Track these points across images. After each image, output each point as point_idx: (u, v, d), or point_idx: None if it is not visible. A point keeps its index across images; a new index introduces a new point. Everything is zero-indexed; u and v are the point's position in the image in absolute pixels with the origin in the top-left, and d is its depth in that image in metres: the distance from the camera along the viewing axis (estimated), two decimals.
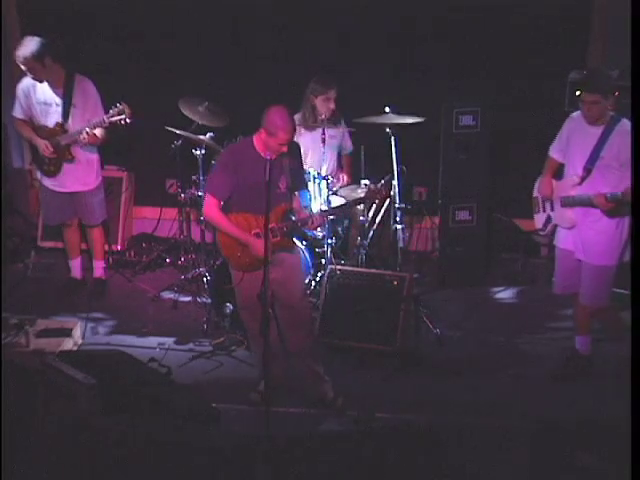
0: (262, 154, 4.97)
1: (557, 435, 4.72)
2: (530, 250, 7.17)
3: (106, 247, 6.94)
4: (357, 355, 5.78)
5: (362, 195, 6.29)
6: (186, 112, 6.57)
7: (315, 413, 5.31)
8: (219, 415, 4.99)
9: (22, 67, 6.04)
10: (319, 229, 6.07)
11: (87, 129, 6.05)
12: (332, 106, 6.50)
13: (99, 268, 6.72)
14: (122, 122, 6.01)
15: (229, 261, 5.23)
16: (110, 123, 6.04)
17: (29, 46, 5.98)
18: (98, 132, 6.12)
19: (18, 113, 6.30)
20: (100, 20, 7.23)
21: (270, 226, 4.98)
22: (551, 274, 6.84)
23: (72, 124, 6.17)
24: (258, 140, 5.05)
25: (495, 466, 4.53)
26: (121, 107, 5.99)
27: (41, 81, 6.12)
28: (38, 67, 6.03)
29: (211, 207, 5.12)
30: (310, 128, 6.54)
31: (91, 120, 6.11)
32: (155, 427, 4.65)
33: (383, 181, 6.48)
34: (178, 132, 6.56)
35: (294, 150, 5.21)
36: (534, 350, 6.07)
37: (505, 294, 6.86)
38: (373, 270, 6.18)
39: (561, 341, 6.14)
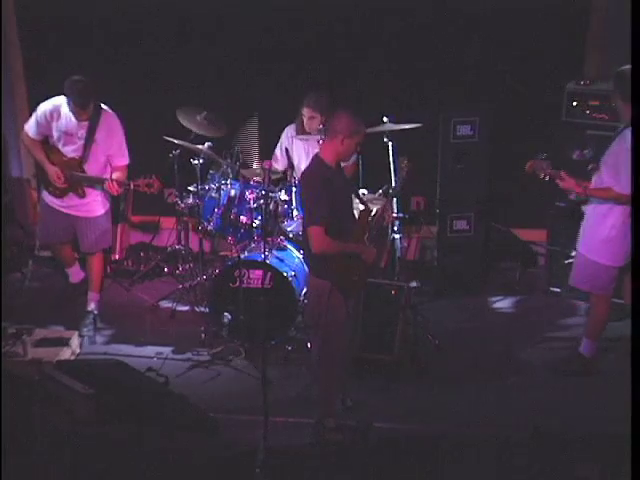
0: (331, 166, 4.94)
1: (555, 445, 4.71)
2: (528, 260, 7.16)
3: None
4: (355, 364, 5.74)
5: (362, 207, 6.28)
6: (184, 122, 6.57)
7: (314, 422, 5.28)
8: (217, 425, 4.97)
9: (74, 107, 5.88)
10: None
11: (109, 180, 5.95)
12: (312, 124, 6.38)
13: (94, 300, 6.43)
14: (147, 192, 5.99)
15: (343, 290, 5.00)
16: (134, 188, 6.02)
17: (89, 88, 5.83)
18: (117, 187, 6.02)
19: (32, 132, 6.11)
20: (99, 31, 7.22)
21: (365, 236, 5.03)
22: (549, 283, 6.87)
23: (90, 161, 6.05)
24: (328, 153, 4.96)
25: (493, 476, 4.51)
26: (151, 181, 5.96)
27: (80, 120, 5.96)
28: (90, 109, 5.90)
29: (320, 237, 4.86)
30: (303, 137, 6.49)
31: (111, 157, 6.06)
32: (152, 436, 4.63)
33: (381, 191, 6.47)
34: (176, 142, 6.56)
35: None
36: (532, 359, 6.06)
37: (503, 303, 6.85)
38: (371, 279, 6.14)
39: (559, 351, 6.14)
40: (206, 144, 6.54)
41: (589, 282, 5.70)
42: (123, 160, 6.13)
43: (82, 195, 6.14)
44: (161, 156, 6.71)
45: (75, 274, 6.68)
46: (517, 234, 7.22)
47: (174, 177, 6.71)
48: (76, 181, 6.09)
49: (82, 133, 6.00)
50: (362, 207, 5.26)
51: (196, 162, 6.54)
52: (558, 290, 6.82)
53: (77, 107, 5.88)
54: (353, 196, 5.33)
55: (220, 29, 7.17)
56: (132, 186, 6.00)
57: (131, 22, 7.22)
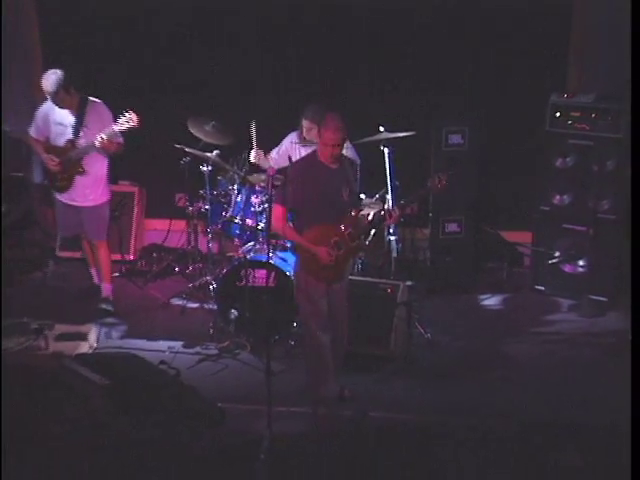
0: (326, 164, 5.01)
1: (540, 434, 4.71)
2: (514, 260, 7.16)
3: (118, 257, 6.92)
4: (353, 358, 5.74)
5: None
6: (194, 131, 6.56)
7: (314, 412, 5.28)
8: (224, 414, 4.98)
9: (49, 97, 6.04)
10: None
11: (100, 137, 5.97)
12: (311, 134, 6.31)
13: (107, 289, 6.53)
14: (130, 127, 5.95)
15: (312, 273, 5.07)
16: (120, 131, 6.00)
17: (56, 79, 5.97)
18: (114, 141, 6.04)
19: (33, 132, 6.31)
20: (115, 45, 7.23)
21: (347, 232, 5.06)
22: (534, 282, 6.87)
23: (82, 142, 6.13)
24: (319, 149, 5.08)
25: (480, 462, 4.52)
26: (129, 115, 5.95)
27: (63, 107, 6.10)
28: (65, 97, 6.02)
29: (277, 216, 5.06)
30: (304, 144, 6.47)
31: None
32: (164, 425, 4.64)
33: (378, 195, 6.47)
34: (187, 149, 6.55)
35: (353, 165, 5.29)
36: (518, 353, 6.05)
37: (491, 301, 6.84)
38: (368, 278, 6.15)
39: (543, 345, 6.14)
40: (214, 152, 6.53)
41: None
42: (117, 139, 6.10)
43: (82, 172, 6.17)
44: (172, 163, 6.71)
45: (97, 276, 6.70)
46: (504, 236, 7.21)
47: (185, 182, 6.71)
48: (74, 161, 6.15)
49: (72, 121, 6.12)
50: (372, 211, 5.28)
51: (205, 169, 6.55)
52: (542, 288, 6.84)
53: (51, 96, 6.00)
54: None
55: (227, 46, 7.18)
56: (117, 129, 5.95)
57: (146, 38, 7.22)
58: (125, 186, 7.35)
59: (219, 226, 6.43)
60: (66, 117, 6.14)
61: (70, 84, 6.01)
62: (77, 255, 7.01)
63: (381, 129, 6.36)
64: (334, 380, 5.31)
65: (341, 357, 5.38)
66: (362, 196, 6.45)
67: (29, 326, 6.05)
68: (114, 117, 6.13)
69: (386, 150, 6.36)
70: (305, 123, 6.39)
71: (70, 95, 6.05)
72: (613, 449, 4.45)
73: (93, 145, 6.05)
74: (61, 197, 6.36)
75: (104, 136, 5.98)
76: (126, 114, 5.95)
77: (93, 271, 6.71)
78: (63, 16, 7.25)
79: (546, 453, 4.52)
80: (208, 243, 6.75)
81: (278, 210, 5.08)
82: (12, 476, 4.26)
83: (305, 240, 5.06)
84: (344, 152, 6.51)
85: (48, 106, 6.18)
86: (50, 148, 6.24)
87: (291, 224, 5.17)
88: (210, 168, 6.56)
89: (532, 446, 4.61)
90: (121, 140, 6.09)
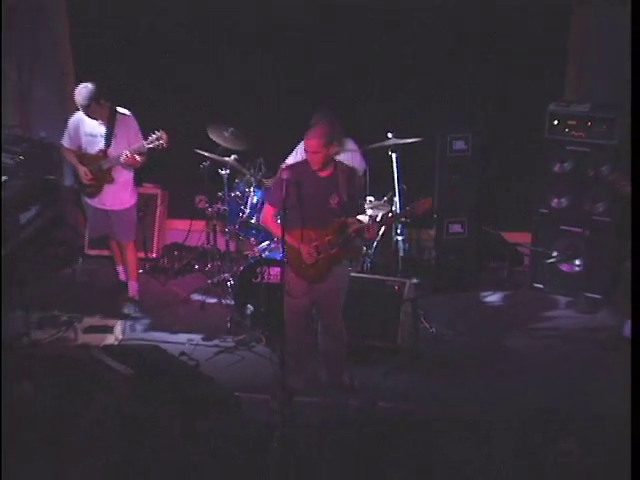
0: (315, 171, 4.96)
1: (538, 423, 4.72)
2: (515, 259, 7.14)
3: (142, 255, 6.96)
4: (362, 351, 5.77)
5: (369, 212, 6.28)
6: (213, 137, 6.58)
7: (325, 402, 5.31)
8: (240, 403, 5.00)
9: (82, 110, 6.05)
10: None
11: (127, 152, 6.05)
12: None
13: (133, 289, 6.57)
14: (160, 147, 6.01)
15: (295, 270, 5.08)
16: (149, 148, 6.05)
17: (88, 92, 5.98)
18: (138, 157, 6.11)
19: (66, 142, 6.32)
20: (138, 55, 7.24)
21: (327, 239, 5.00)
22: (533, 281, 6.87)
23: (113, 151, 6.14)
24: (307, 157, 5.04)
25: (481, 449, 4.53)
26: (159, 134, 5.99)
27: (95, 118, 6.11)
28: (96, 108, 6.04)
29: (266, 215, 5.21)
30: None
31: (131, 144, 6.12)
32: (184, 413, 4.67)
33: (386, 198, 6.49)
34: (206, 154, 6.56)
35: (352, 174, 5.15)
36: (518, 347, 6.06)
37: (493, 298, 6.83)
38: (377, 276, 6.17)
39: (542, 339, 6.15)
40: (232, 156, 6.56)
41: None
42: (142, 155, 6.10)
43: (111, 180, 6.20)
44: (193, 167, 6.75)
45: (123, 273, 6.74)
46: (505, 237, 7.20)
47: (204, 185, 6.75)
48: (104, 170, 6.17)
49: (102, 131, 6.12)
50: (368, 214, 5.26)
51: (223, 172, 6.56)
52: (541, 286, 6.83)
53: (83, 108, 6.01)
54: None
55: (244, 56, 7.20)
56: (146, 146, 5.99)
57: (169, 49, 7.21)
58: (149, 188, 7.36)
59: (236, 226, 6.46)
60: (96, 128, 6.16)
61: (101, 96, 6.04)
62: (104, 253, 7.03)
63: (389, 135, 6.37)
64: (303, 373, 5.33)
65: (337, 354, 5.36)
66: (371, 198, 6.50)
67: (60, 319, 6.13)
68: (140, 127, 6.17)
69: (394, 155, 6.38)
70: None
71: (101, 106, 6.07)
72: (606, 436, 4.45)
73: (118, 158, 6.09)
74: (91, 201, 6.38)
75: (128, 153, 6.02)
76: (157, 132, 5.99)
77: (119, 268, 6.76)
78: (90, 27, 7.29)
79: (544, 440, 4.52)
80: (226, 242, 6.77)
81: (268, 209, 5.19)
82: (45, 456, 4.30)
83: (290, 238, 5.04)
84: (343, 158, 6.59)
85: (78, 117, 6.20)
86: (82, 157, 6.25)
87: (279, 222, 5.12)
88: (228, 172, 6.57)
89: (531, 434, 4.60)
90: (144, 157, 6.12)
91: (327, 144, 4.97)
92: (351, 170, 5.22)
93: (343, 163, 5.24)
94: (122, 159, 6.07)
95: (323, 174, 5.04)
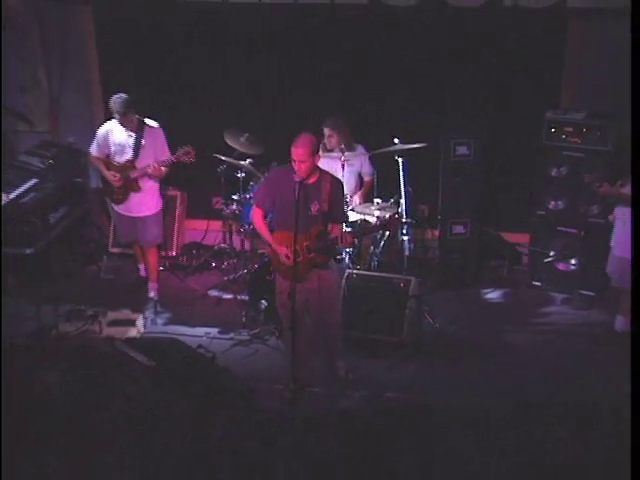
0: (298, 176, 4.93)
1: (534, 412, 4.72)
2: (514, 259, 7.13)
3: (162, 253, 7.00)
4: (369, 344, 5.80)
5: (376, 213, 6.31)
6: (230, 142, 6.62)
7: (334, 393, 5.34)
8: (254, 393, 5.03)
9: (117, 118, 6.05)
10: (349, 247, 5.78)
11: (155, 164, 6.06)
12: (331, 141, 6.36)
13: (153, 289, 6.52)
14: (187, 160, 6.01)
15: (276, 270, 5.21)
16: (177, 161, 6.05)
17: (123, 102, 5.98)
18: (163, 168, 6.13)
19: (94, 151, 6.29)
20: (162, 66, 7.29)
21: (305, 244, 5.03)
22: (531, 279, 6.87)
23: (141, 161, 6.15)
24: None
25: (480, 438, 4.54)
26: (188, 149, 5.99)
27: (128, 127, 6.11)
28: (131, 118, 6.05)
29: (255, 215, 5.27)
30: (326, 155, 6.49)
31: (158, 157, 6.13)
32: (201, 401, 4.69)
33: (392, 200, 6.50)
34: (223, 158, 6.60)
35: (336, 185, 5.14)
36: (516, 342, 6.07)
37: (493, 295, 6.82)
38: (384, 274, 6.19)
39: (539, 334, 6.15)
40: (247, 160, 6.60)
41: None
42: (166, 155, 6.13)
43: (138, 189, 6.22)
44: (210, 170, 6.78)
45: (144, 270, 6.78)
46: (505, 237, 7.19)
47: (221, 187, 6.78)
48: (131, 179, 6.18)
49: (131, 142, 6.13)
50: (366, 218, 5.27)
51: (239, 175, 6.61)
52: (539, 284, 6.81)
53: (120, 116, 6.03)
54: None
55: (258, 66, 7.22)
56: (175, 159, 6.00)
57: (190, 61, 7.26)
58: (169, 191, 7.39)
59: (251, 226, 6.49)
60: (124, 138, 6.16)
61: (133, 107, 6.07)
62: (127, 251, 7.04)
63: (396, 141, 6.40)
64: (304, 364, 5.30)
65: (330, 349, 5.38)
66: (378, 200, 6.52)
67: (85, 313, 6.18)
68: (167, 138, 6.18)
69: (400, 160, 6.40)
70: (326, 130, 6.43)
71: (132, 116, 6.09)
72: (598, 425, 4.46)
73: (147, 169, 6.12)
74: (117, 208, 6.38)
75: (156, 164, 6.06)
76: (185, 147, 6.00)
77: (141, 266, 6.80)
78: (114, 38, 7.34)
79: (539, 429, 4.53)
80: (241, 241, 6.80)
81: (256, 211, 5.25)
82: (75, 439, 4.32)
83: (272, 240, 5.14)
84: (354, 162, 6.60)
85: (108, 128, 6.23)
86: (111, 165, 6.26)
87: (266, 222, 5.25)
88: (243, 175, 6.60)
89: (527, 423, 4.62)
90: (168, 168, 6.13)
91: (313, 153, 4.99)
92: (335, 180, 5.21)
93: (328, 173, 5.22)
94: (149, 170, 6.11)
95: (307, 181, 5.01)
